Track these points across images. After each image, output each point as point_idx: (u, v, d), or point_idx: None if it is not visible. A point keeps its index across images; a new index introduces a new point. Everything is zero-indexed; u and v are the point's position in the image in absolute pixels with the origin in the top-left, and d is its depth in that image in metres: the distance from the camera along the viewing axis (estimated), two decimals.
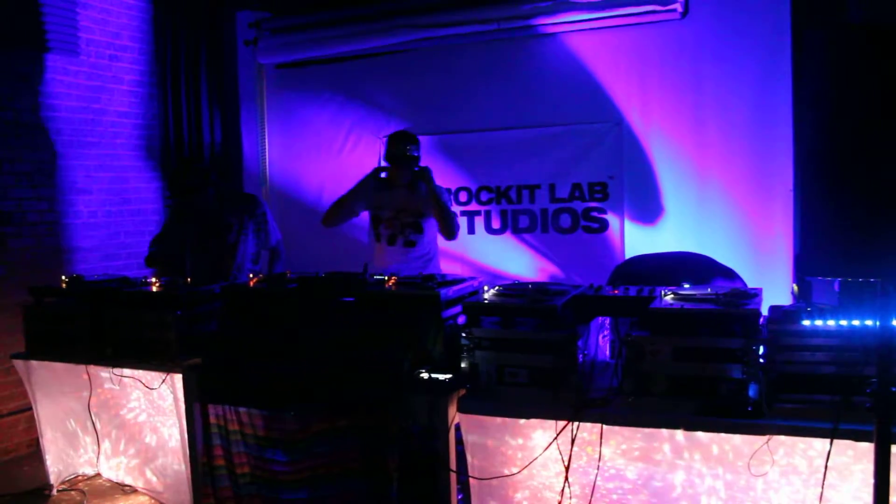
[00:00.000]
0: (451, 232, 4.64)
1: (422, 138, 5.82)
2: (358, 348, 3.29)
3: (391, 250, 4.69)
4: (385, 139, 4.71)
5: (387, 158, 4.65)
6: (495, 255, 5.61)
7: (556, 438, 2.83)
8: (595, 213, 5.34)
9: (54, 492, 4.26)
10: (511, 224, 5.60)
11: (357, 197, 4.73)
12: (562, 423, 2.81)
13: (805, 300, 2.89)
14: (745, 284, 3.82)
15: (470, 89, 5.66)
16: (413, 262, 4.65)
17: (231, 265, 4.83)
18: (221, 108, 6.45)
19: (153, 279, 4.10)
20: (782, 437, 2.58)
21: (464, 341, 2.98)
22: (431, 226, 4.71)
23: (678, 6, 4.88)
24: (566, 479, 2.85)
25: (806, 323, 2.60)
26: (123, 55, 5.87)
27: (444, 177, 5.72)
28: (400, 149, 4.61)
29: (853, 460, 2.52)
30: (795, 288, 3.30)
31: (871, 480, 2.23)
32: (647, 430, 2.77)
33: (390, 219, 4.68)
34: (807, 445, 2.58)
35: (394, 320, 3.25)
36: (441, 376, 3.12)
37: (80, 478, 4.37)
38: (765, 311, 2.80)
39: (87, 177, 5.59)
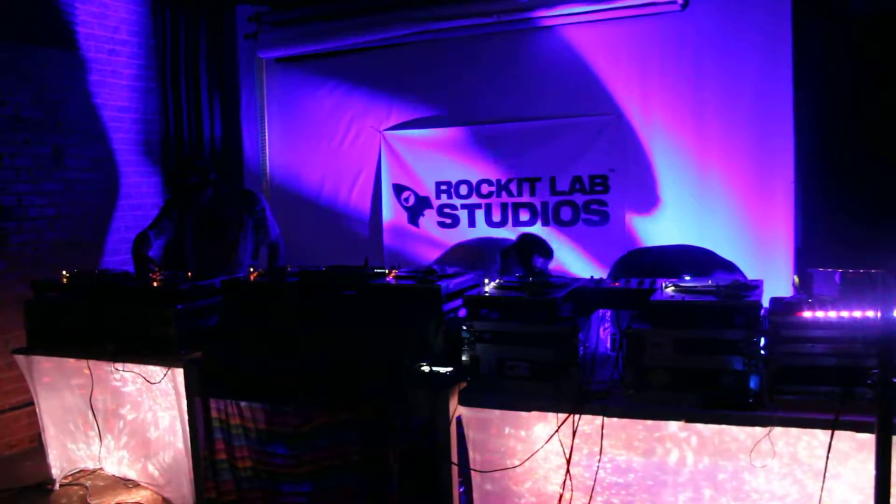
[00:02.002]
0: None
1: (422, 132, 5.83)
2: (359, 342, 3.30)
3: None
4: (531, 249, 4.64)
5: (529, 268, 4.58)
6: None
7: (557, 431, 2.83)
8: (596, 206, 5.33)
9: (57, 486, 4.27)
10: (512, 217, 5.59)
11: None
12: (563, 416, 2.82)
13: (806, 292, 2.88)
14: (745, 276, 3.82)
15: (470, 82, 5.65)
16: None
17: (233, 262, 4.84)
18: (221, 103, 6.45)
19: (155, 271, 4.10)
20: (784, 429, 2.58)
21: (465, 334, 2.98)
22: None
23: None
24: (567, 471, 2.85)
25: (807, 314, 2.59)
26: (123, 50, 5.86)
27: (444, 170, 5.72)
28: None
29: (854, 451, 2.52)
30: (796, 279, 3.29)
31: (873, 471, 2.24)
32: (648, 423, 2.78)
33: None
34: (808, 437, 2.58)
35: (395, 314, 3.25)
36: (442, 369, 3.12)
37: (82, 472, 4.38)
38: (766, 302, 2.80)
39: (88, 171, 5.59)
